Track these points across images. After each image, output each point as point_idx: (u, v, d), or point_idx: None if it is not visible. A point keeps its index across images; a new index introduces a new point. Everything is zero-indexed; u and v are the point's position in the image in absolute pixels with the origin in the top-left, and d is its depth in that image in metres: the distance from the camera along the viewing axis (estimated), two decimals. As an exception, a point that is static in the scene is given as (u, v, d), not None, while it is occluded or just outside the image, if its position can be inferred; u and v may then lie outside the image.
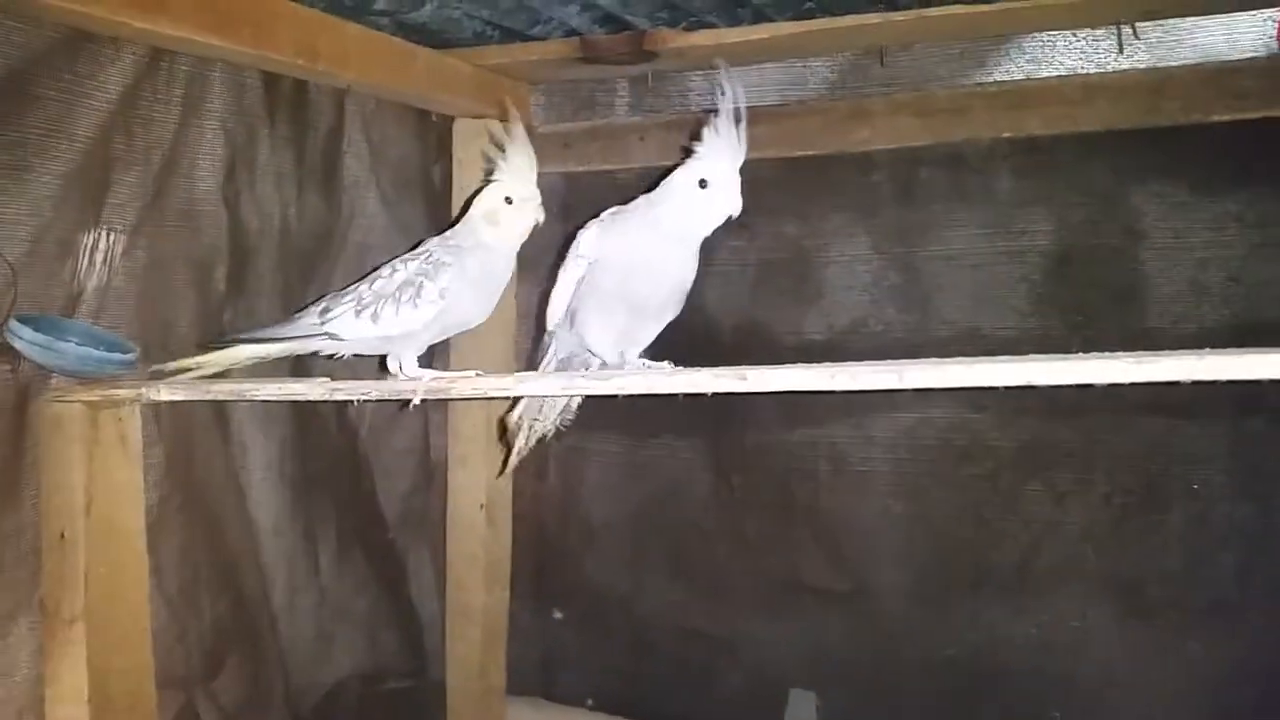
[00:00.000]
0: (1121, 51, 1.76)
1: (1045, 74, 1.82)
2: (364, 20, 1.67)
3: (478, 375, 1.42)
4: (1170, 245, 1.76)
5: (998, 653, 1.89)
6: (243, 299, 1.70)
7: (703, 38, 1.78)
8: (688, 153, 1.36)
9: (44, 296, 1.39)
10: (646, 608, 2.19)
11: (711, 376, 1.22)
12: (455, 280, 1.39)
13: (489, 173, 1.45)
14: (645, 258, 1.37)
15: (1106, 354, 1.07)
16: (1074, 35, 1.80)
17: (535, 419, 1.57)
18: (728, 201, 1.33)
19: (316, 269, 1.85)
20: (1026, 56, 1.83)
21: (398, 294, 1.39)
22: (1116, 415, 1.79)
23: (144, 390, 1.41)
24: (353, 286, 1.46)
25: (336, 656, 1.93)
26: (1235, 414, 1.73)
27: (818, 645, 2.04)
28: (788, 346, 2.01)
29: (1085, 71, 1.79)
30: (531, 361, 1.56)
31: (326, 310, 1.43)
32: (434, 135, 2.08)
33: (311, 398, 1.41)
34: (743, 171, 1.34)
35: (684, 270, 1.39)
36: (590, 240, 1.40)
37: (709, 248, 1.41)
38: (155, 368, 1.48)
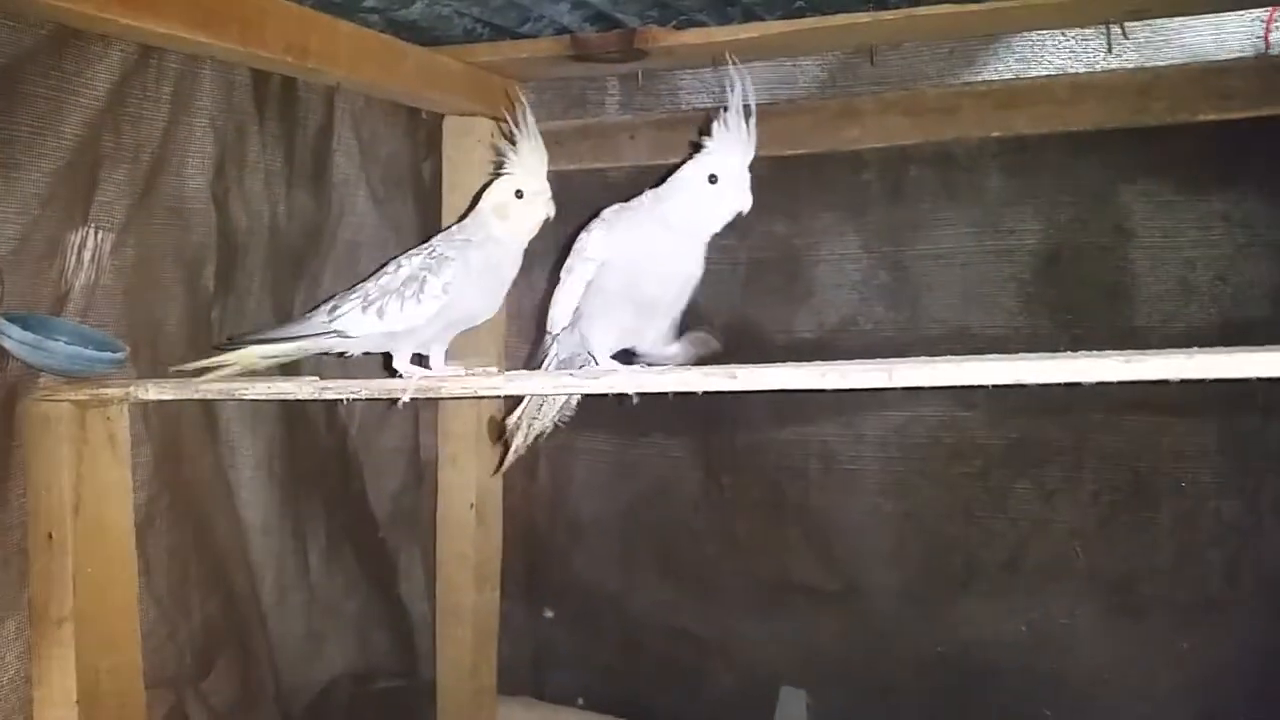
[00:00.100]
0: (1110, 51, 1.76)
1: (1034, 73, 1.83)
2: (354, 17, 1.67)
3: (468, 374, 1.42)
4: (1158, 244, 1.77)
5: (988, 651, 1.89)
6: (232, 297, 1.70)
7: (693, 36, 1.78)
8: (696, 148, 1.34)
9: (31, 295, 1.39)
10: (637, 607, 2.19)
11: (701, 375, 1.22)
12: (459, 275, 1.39)
13: (499, 166, 1.45)
14: (654, 256, 1.35)
15: (1095, 352, 1.08)
16: (1063, 35, 1.80)
17: (535, 418, 1.56)
18: (738, 197, 1.31)
19: (306, 267, 1.84)
20: (1015, 56, 1.84)
21: (402, 289, 1.40)
22: (1105, 413, 1.80)
23: (132, 389, 1.41)
24: (361, 284, 1.46)
25: (327, 656, 1.93)
26: (1223, 412, 1.74)
27: (808, 643, 2.04)
28: (778, 345, 2.02)
29: (1074, 71, 1.80)
30: (530, 363, 1.55)
31: (335, 308, 1.44)
32: (424, 133, 2.08)
33: (300, 396, 1.40)
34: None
35: (693, 268, 1.37)
36: (597, 241, 1.37)
37: (698, 247, 1.41)
38: (174, 369, 1.50)
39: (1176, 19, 1.72)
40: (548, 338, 1.48)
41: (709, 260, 1.38)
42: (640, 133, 2.10)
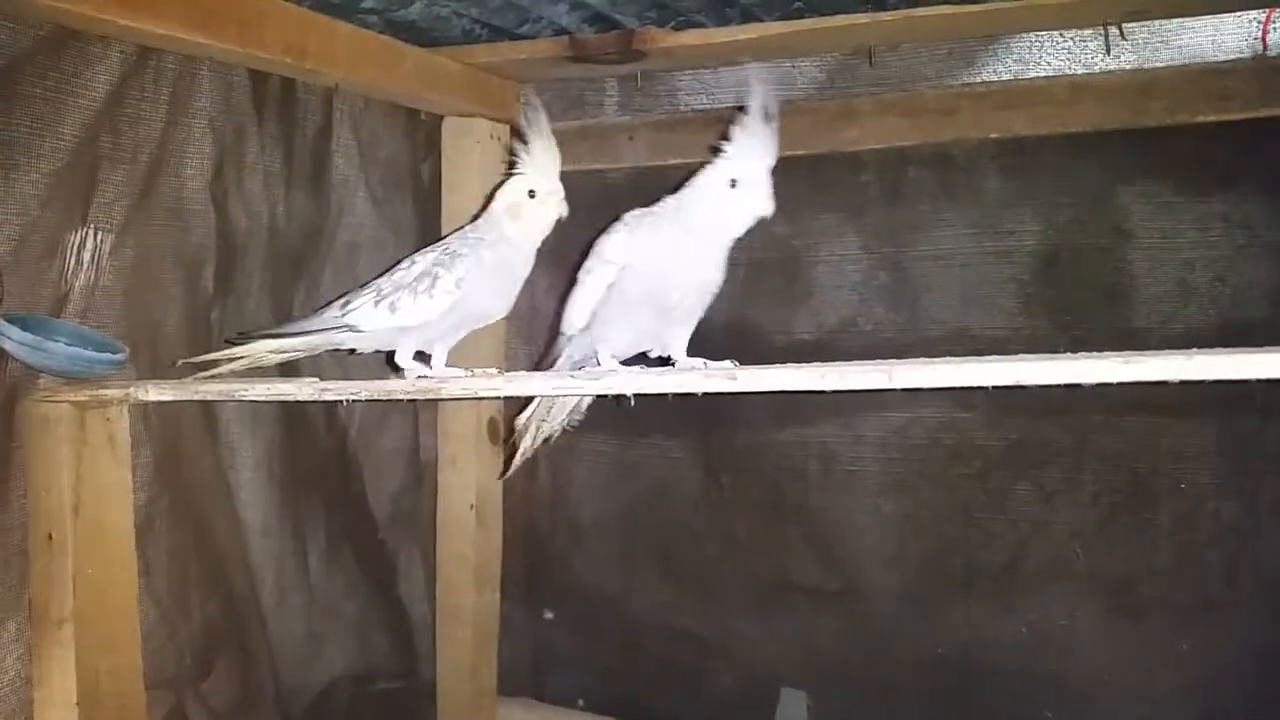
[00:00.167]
0: (1108, 52, 1.77)
1: (1033, 74, 1.83)
2: (352, 18, 1.67)
3: (468, 375, 1.42)
4: (1157, 245, 1.77)
5: (988, 652, 1.90)
6: (231, 298, 1.70)
7: (691, 37, 1.78)
8: (716, 151, 1.34)
9: (31, 296, 1.39)
10: (637, 608, 2.19)
11: (702, 376, 1.22)
12: (472, 271, 1.40)
13: (511, 166, 1.45)
14: (676, 261, 1.35)
15: (1094, 354, 1.08)
16: (1061, 36, 1.80)
17: (543, 420, 1.56)
18: (759, 201, 1.31)
19: (305, 268, 1.84)
20: (1014, 57, 1.84)
21: (415, 284, 1.40)
22: (1105, 415, 1.80)
23: (132, 391, 1.41)
24: (374, 280, 1.47)
25: (326, 657, 1.93)
26: (1222, 413, 1.74)
27: (808, 645, 2.04)
28: (777, 346, 2.02)
29: (1072, 72, 1.80)
30: (542, 364, 1.55)
31: (348, 303, 1.45)
32: (423, 134, 2.08)
33: (300, 398, 1.40)
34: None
35: (714, 273, 1.37)
36: (618, 245, 1.37)
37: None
38: (182, 361, 1.50)
39: (1174, 20, 1.72)
40: (561, 339, 1.47)
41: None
42: (639, 134, 2.10)
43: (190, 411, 1.64)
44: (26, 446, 1.39)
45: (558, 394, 1.48)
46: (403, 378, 1.44)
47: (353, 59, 1.69)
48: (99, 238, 1.46)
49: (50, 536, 1.37)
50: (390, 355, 1.48)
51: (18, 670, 1.40)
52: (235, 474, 1.73)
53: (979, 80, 1.86)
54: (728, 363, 1.34)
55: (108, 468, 1.42)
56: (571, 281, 1.44)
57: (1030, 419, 1.85)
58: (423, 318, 1.40)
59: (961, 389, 1.10)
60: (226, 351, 1.48)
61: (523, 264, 1.45)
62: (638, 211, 1.40)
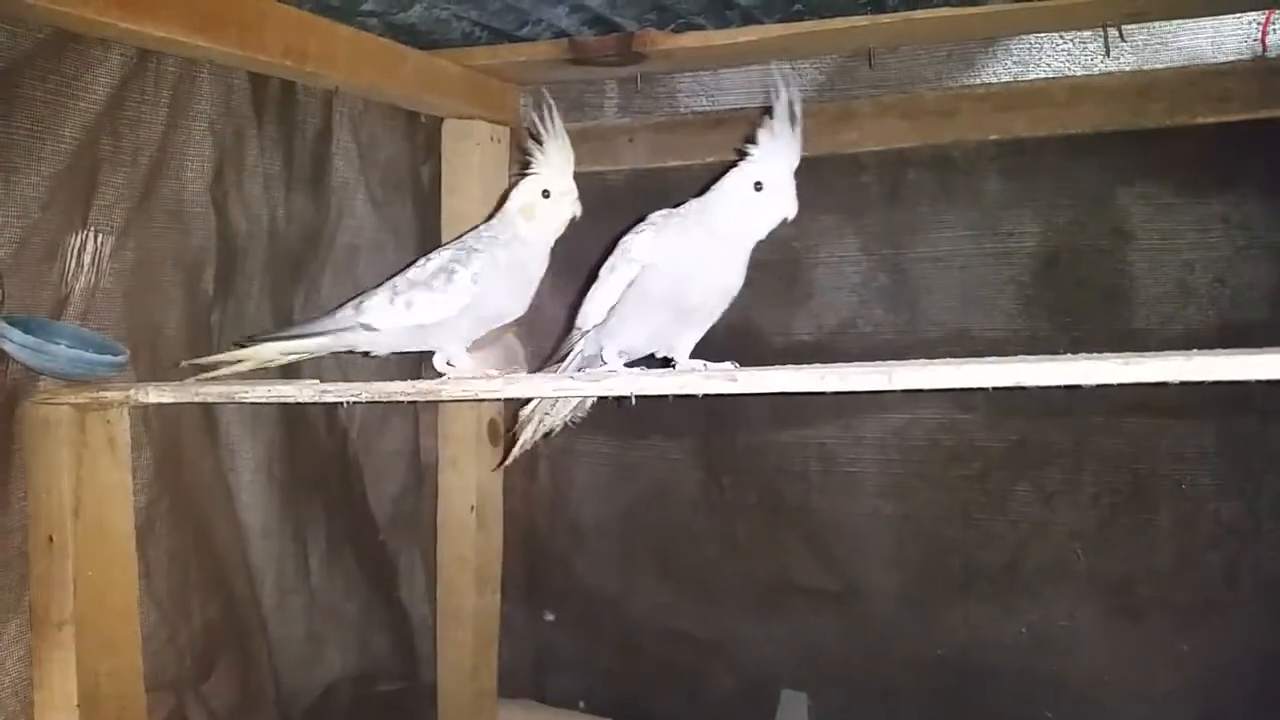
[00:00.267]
0: (1108, 54, 1.77)
1: (1032, 76, 1.83)
2: (352, 21, 1.67)
3: (470, 377, 1.43)
4: (1157, 247, 1.77)
5: (987, 653, 1.90)
6: (231, 300, 1.70)
7: (691, 40, 1.78)
8: (741, 154, 1.35)
9: (31, 298, 1.39)
10: (638, 609, 2.19)
11: (702, 378, 1.22)
12: (488, 268, 1.40)
13: (525, 166, 1.45)
14: (701, 263, 1.35)
15: (1094, 355, 1.08)
16: (1060, 38, 1.80)
17: (547, 414, 1.56)
18: (783, 203, 1.32)
19: (305, 270, 1.84)
20: (1013, 59, 1.84)
21: (430, 281, 1.40)
22: (1104, 416, 1.81)
23: (132, 393, 1.41)
24: (388, 279, 1.47)
25: (327, 659, 1.93)
26: (1222, 414, 1.74)
27: (808, 646, 2.04)
28: (777, 348, 2.02)
29: (1072, 74, 1.80)
30: (553, 358, 1.55)
31: (362, 302, 1.45)
32: (422, 136, 2.08)
33: (301, 399, 1.40)
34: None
35: (735, 278, 1.37)
36: (645, 244, 1.37)
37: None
38: (191, 362, 1.50)
39: (1174, 22, 1.72)
40: (575, 333, 1.47)
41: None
42: (639, 136, 2.10)
43: (190, 413, 1.64)
44: (27, 449, 1.39)
45: (558, 395, 1.49)
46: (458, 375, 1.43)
47: (353, 61, 1.69)
48: (99, 240, 1.46)
49: (50, 539, 1.37)
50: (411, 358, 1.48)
51: (18, 673, 1.40)
52: (236, 476, 1.73)
53: (978, 82, 1.86)
54: (728, 364, 1.35)
55: (108, 470, 1.42)
56: (588, 280, 1.44)
57: (1030, 420, 1.85)
58: (440, 315, 1.41)
59: (961, 390, 1.10)
60: (239, 352, 1.49)
61: (538, 263, 1.45)
62: (665, 211, 1.41)
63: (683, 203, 1.41)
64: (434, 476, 2.13)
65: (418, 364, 1.93)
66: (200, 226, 1.64)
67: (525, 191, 1.44)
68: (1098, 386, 1.02)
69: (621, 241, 1.41)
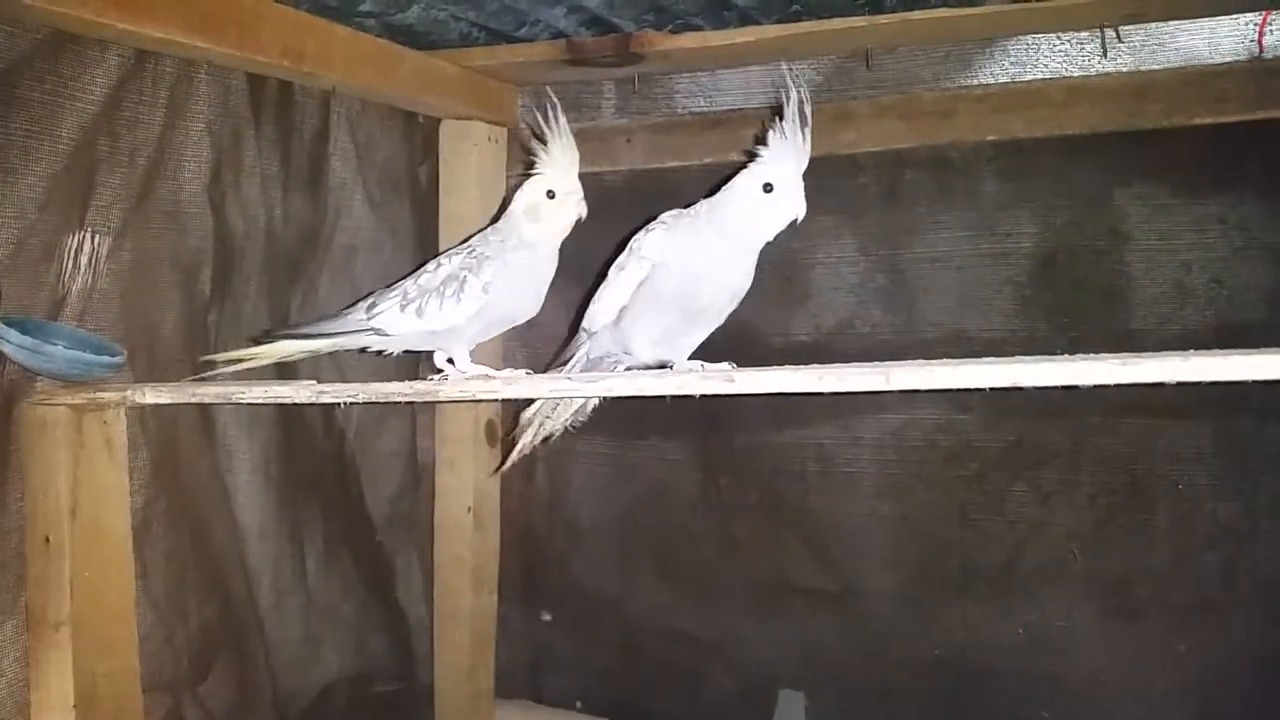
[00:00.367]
0: (1105, 55, 1.77)
1: (1029, 77, 1.83)
2: (350, 22, 1.67)
3: (466, 378, 1.42)
4: (1154, 247, 1.77)
5: (985, 653, 1.90)
6: (228, 301, 1.70)
7: (689, 40, 1.78)
8: (750, 156, 1.35)
9: (29, 299, 1.38)
10: (635, 610, 2.19)
11: (699, 378, 1.22)
12: (498, 274, 1.40)
13: (528, 166, 1.45)
14: (711, 263, 1.36)
15: (1092, 355, 1.08)
16: (1058, 38, 1.81)
17: (548, 417, 1.56)
18: (793, 205, 1.32)
19: (302, 271, 1.84)
20: (1011, 59, 1.84)
21: (442, 288, 1.40)
22: (1102, 416, 1.81)
23: (129, 393, 1.41)
24: (399, 282, 1.46)
25: (324, 660, 1.93)
26: (1219, 415, 1.74)
27: (806, 646, 2.04)
28: (774, 348, 2.02)
29: (1069, 74, 1.80)
30: (559, 359, 1.55)
31: (373, 306, 1.45)
32: (420, 136, 2.08)
33: (298, 400, 1.40)
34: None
35: (745, 277, 1.38)
36: (655, 243, 1.38)
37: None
38: (204, 358, 1.52)
39: (1171, 23, 1.72)
40: (582, 334, 1.47)
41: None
42: (636, 137, 2.10)
43: (187, 414, 1.64)
44: (24, 449, 1.38)
45: (555, 396, 1.49)
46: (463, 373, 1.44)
47: (350, 62, 1.69)
48: (96, 241, 1.46)
49: (47, 539, 1.37)
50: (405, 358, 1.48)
51: (15, 673, 1.40)
52: (232, 476, 1.73)
53: (976, 83, 1.86)
54: (725, 365, 1.35)
55: (105, 470, 1.42)
56: (589, 280, 1.44)
57: (1027, 420, 1.86)
58: (450, 323, 1.41)
59: (958, 391, 1.10)
60: (257, 349, 1.50)
61: (547, 265, 1.46)
62: (675, 211, 1.42)
63: (692, 203, 1.42)
64: (431, 477, 2.13)
65: (415, 364, 1.93)
66: (197, 227, 1.63)
67: (530, 192, 1.44)
68: (1095, 387, 1.02)
69: (632, 240, 1.41)
